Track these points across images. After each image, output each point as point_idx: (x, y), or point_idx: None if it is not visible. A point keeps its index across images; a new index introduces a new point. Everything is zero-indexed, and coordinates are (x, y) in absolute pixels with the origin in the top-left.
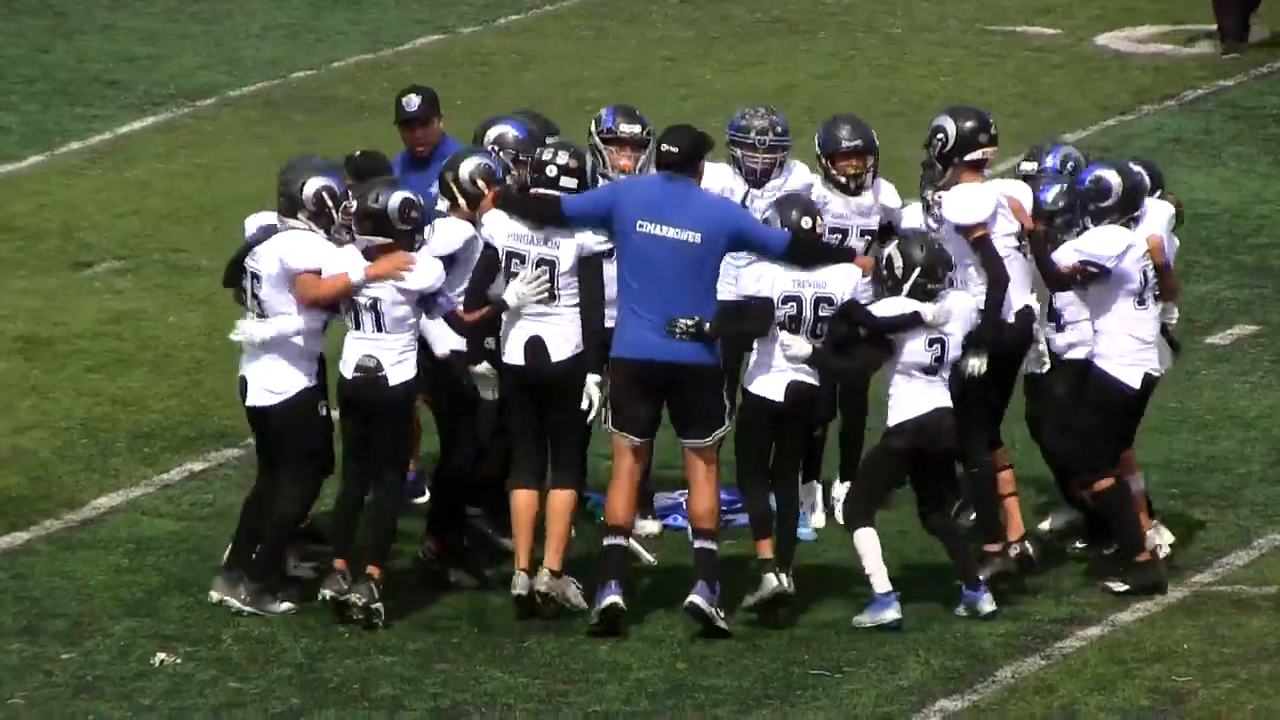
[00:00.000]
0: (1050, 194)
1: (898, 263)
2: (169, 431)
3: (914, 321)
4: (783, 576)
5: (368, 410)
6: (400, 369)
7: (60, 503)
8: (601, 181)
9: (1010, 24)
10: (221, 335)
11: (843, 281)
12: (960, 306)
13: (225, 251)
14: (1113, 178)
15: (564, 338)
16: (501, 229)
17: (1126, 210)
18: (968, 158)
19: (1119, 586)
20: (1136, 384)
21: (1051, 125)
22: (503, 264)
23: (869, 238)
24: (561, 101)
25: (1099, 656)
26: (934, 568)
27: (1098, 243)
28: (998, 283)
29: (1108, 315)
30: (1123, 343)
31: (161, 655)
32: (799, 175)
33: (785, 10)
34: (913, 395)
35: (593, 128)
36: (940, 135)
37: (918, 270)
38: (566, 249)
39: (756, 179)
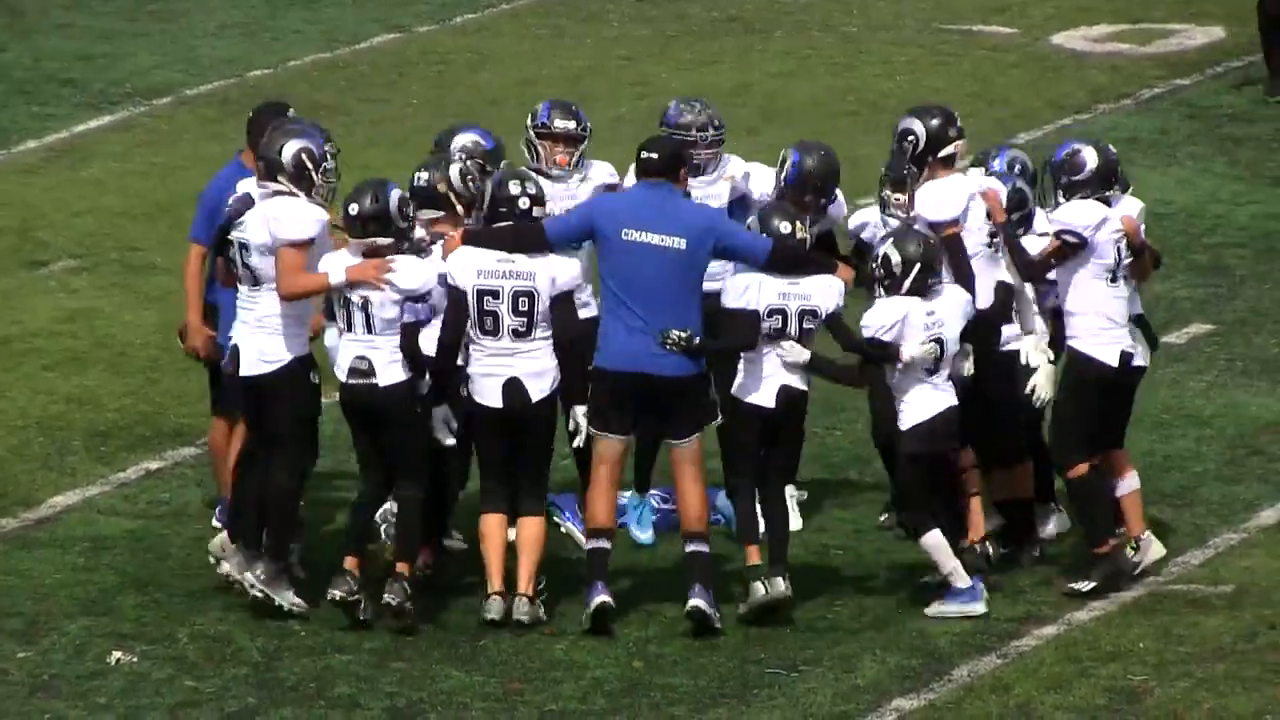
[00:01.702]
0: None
1: (895, 259)
2: (125, 430)
3: (892, 356)
4: (777, 582)
5: (367, 415)
6: (392, 369)
7: (16, 501)
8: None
9: (966, 23)
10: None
11: (827, 293)
12: (955, 301)
13: (181, 251)
14: (1089, 154)
15: (540, 375)
16: (468, 268)
17: (1098, 188)
18: (940, 154)
19: (1084, 586)
20: (1114, 361)
21: (1007, 125)
22: (473, 304)
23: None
24: (517, 100)
25: (1055, 655)
26: (890, 566)
27: (1073, 213)
28: (964, 284)
29: (1079, 295)
30: (1095, 322)
31: (117, 654)
32: (735, 165)
33: (741, 9)
34: (920, 398)
35: (528, 122)
36: (910, 137)
37: (918, 268)
38: (542, 279)
39: (694, 172)
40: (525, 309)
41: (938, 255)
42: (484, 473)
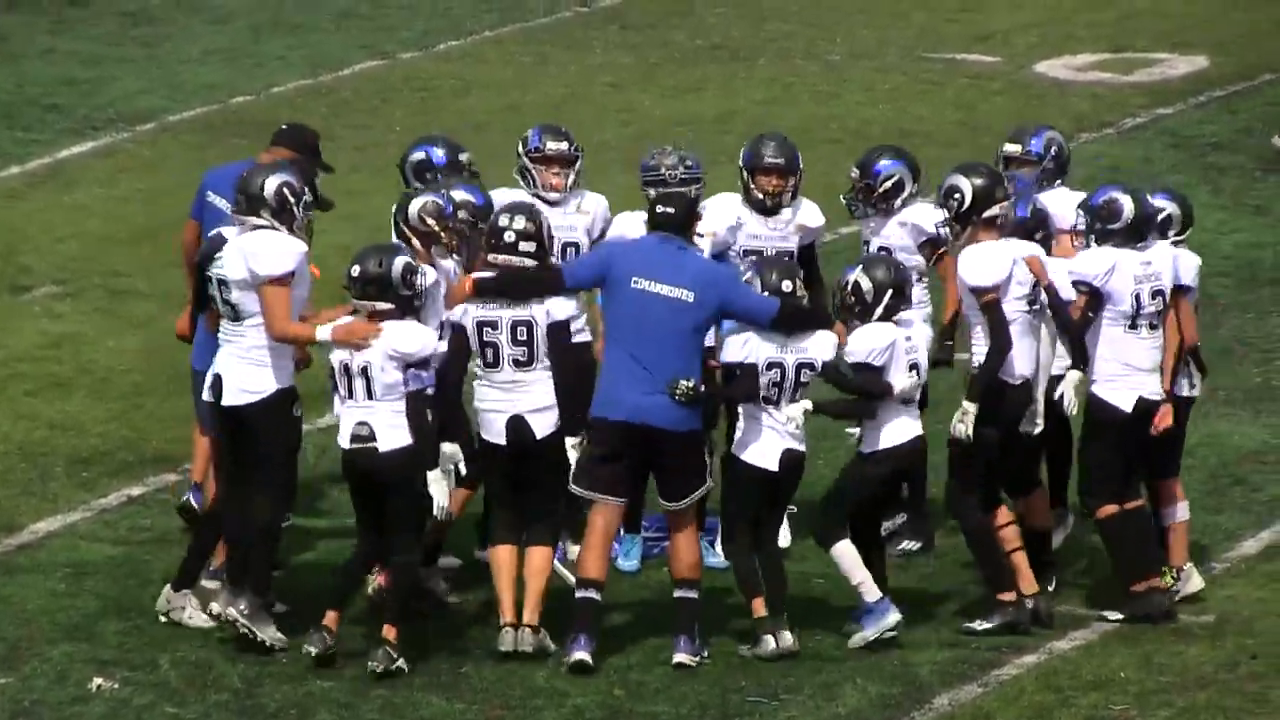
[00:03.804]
0: (1040, 141)
1: (866, 287)
2: (107, 456)
3: (885, 392)
4: (785, 635)
5: (367, 479)
6: (393, 435)
7: None
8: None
9: (949, 51)
10: (160, 359)
11: (823, 347)
12: (923, 328)
13: (165, 276)
14: (1126, 202)
15: (544, 410)
16: (469, 303)
17: (1131, 238)
18: (985, 215)
19: (1114, 616)
20: (1129, 408)
21: (991, 153)
22: (474, 336)
23: (787, 259)
24: (501, 127)
25: (1036, 684)
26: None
27: (1084, 262)
28: (999, 350)
29: (1100, 340)
30: (1113, 368)
31: (99, 680)
32: (716, 210)
33: (725, 37)
34: (892, 425)
35: (520, 148)
36: (956, 195)
37: (889, 293)
38: (539, 308)
39: None
40: (524, 338)
41: (907, 279)
42: (494, 502)
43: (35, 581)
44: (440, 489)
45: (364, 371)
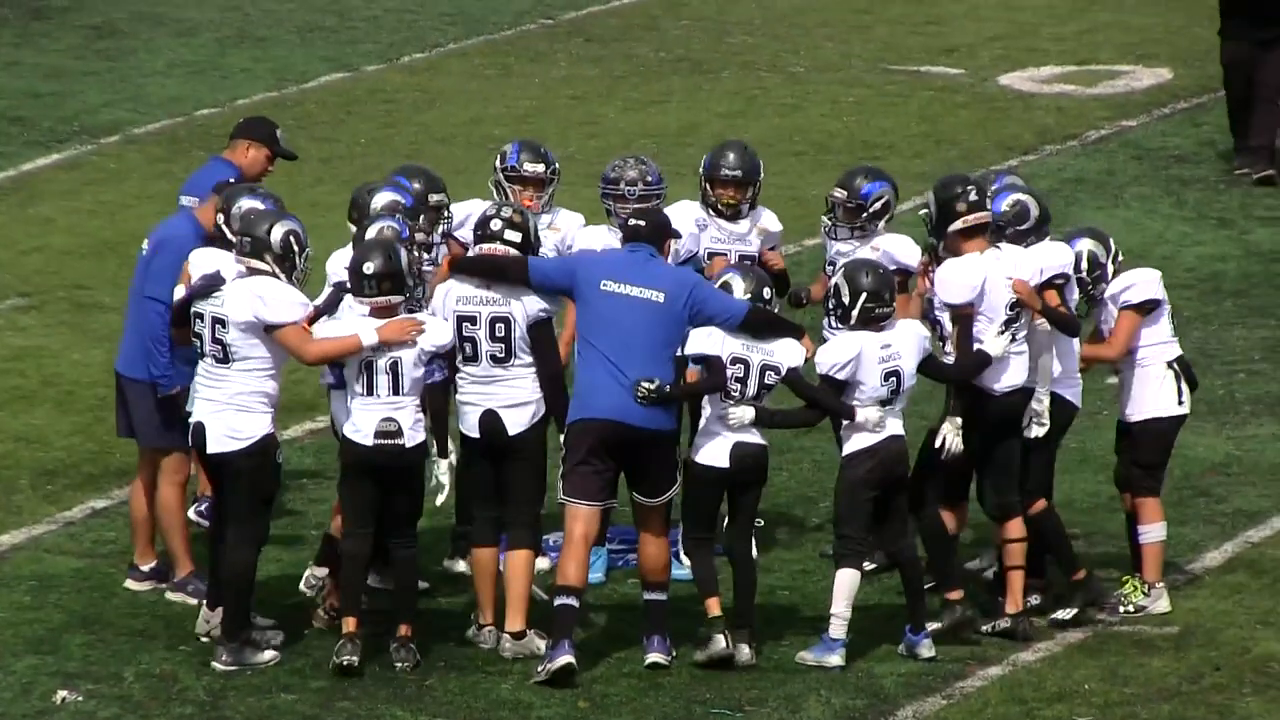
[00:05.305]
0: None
1: (844, 290)
2: (72, 469)
3: (848, 414)
4: (743, 648)
5: (386, 476)
6: (417, 430)
7: None
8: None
9: (914, 64)
10: None
11: (789, 354)
12: (910, 334)
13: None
14: (1029, 200)
15: (519, 407)
16: (450, 295)
17: (1040, 231)
18: (951, 228)
19: (1065, 614)
20: (1079, 403)
21: (955, 165)
22: (454, 330)
23: (749, 262)
24: (465, 140)
25: (1000, 696)
26: None
27: (1054, 256)
28: (961, 367)
29: (1057, 340)
30: (1070, 364)
31: (63, 693)
32: (678, 217)
33: (689, 49)
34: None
35: (497, 163)
36: (924, 210)
37: (864, 296)
38: (517, 304)
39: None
40: (502, 335)
41: (888, 285)
42: (475, 504)
43: None
44: (450, 479)
45: (393, 368)
